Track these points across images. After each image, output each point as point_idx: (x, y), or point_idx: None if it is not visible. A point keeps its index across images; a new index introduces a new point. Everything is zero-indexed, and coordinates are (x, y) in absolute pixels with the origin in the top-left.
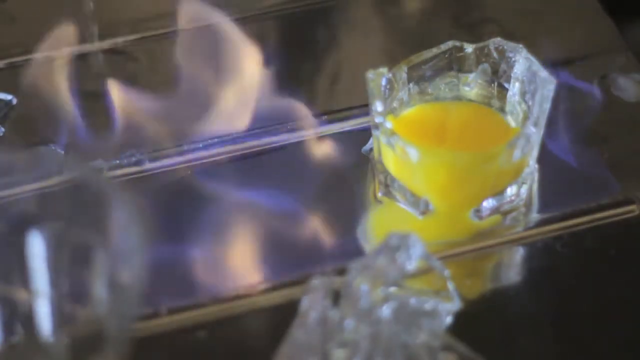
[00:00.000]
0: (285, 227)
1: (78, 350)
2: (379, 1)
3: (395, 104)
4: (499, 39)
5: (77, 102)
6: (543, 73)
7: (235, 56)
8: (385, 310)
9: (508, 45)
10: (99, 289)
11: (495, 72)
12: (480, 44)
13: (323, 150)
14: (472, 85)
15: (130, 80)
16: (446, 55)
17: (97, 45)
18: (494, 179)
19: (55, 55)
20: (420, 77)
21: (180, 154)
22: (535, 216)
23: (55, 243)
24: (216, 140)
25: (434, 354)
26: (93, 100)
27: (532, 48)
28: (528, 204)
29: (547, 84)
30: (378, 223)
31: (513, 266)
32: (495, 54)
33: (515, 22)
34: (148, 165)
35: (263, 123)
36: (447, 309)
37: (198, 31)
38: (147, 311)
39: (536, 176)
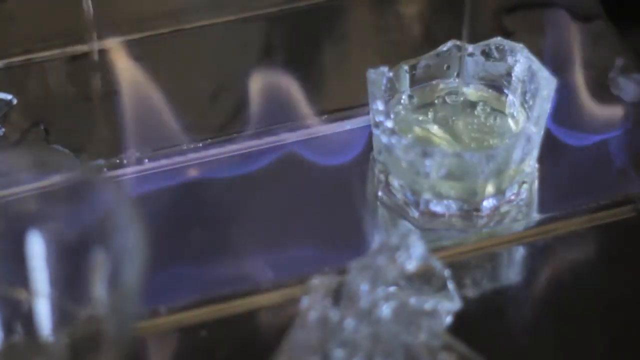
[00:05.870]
0: (285, 226)
1: (78, 350)
2: (379, 1)
3: (395, 104)
4: (499, 38)
5: (77, 101)
6: (543, 73)
7: None
8: (385, 310)
9: (508, 44)
10: (99, 289)
11: (495, 72)
12: (480, 44)
13: (323, 149)
14: (472, 85)
15: (130, 80)
16: (446, 55)
17: (97, 45)
18: (494, 179)
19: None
20: (421, 77)
21: (181, 153)
22: (535, 216)
23: (55, 243)
24: (216, 140)
25: (434, 354)
26: (93, 100)
27: (532, 48)
28: (528, 204)
29: (548, 83)
30: None
31: (513, 266)
32: (495, 54)
33: (515, 22)
34: (148, 165)
35: (262, 122)
36: (447, 309)
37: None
38: (147, 311)
39: (536, 176)
